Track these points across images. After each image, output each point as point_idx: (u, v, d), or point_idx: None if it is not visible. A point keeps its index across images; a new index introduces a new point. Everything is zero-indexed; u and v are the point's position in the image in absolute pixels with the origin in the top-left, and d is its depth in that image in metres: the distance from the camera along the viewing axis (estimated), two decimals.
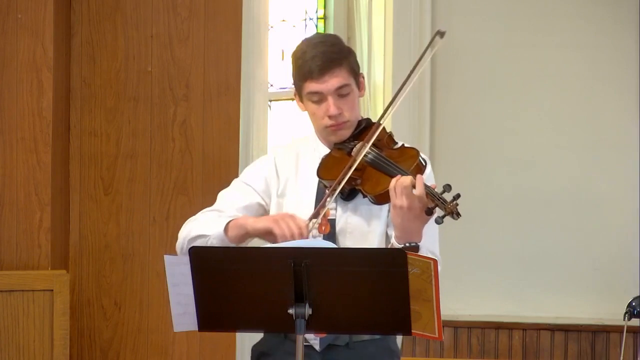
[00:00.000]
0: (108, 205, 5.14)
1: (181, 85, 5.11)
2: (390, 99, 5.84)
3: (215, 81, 5.11)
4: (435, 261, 2.80)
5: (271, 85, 5.47)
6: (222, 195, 3.40)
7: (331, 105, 3.23)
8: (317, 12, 6.07)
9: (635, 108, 5.75)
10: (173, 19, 5.11)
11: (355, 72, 3.28)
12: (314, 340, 3.24)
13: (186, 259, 2.90)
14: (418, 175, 3.08)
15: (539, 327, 5.68)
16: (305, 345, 3.19)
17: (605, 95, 5.79)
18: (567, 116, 5.82)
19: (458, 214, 3.03)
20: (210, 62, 5.11)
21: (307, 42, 3.31)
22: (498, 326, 5.72)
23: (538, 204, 5.80)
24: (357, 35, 5.95)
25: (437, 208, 3.05)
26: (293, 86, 3.33)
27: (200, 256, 2.90)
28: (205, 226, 3.27)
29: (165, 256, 3.16)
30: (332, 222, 3.25)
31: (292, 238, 3.09)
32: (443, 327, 2.87)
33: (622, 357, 5.08)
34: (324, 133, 3.31)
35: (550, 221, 5.79)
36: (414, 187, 3.06)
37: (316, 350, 3.25)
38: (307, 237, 3.13)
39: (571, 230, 5.78)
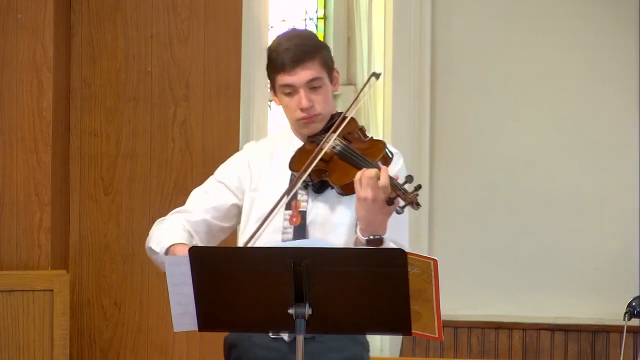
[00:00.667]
0: (108, 205, 5.14)
1: (181, 85, 5.12)
2: (389, 99, 5.86)
3: (215, 81, 5.11)
4: (435, 261, 2.80)
5: None
6: (194, 194, 3.43)
7: (302, 98, 3.27)
8: (317, 12, 6.07)
9: (635, 108, 5.75)
10: (173, 19, 5.11)
11: (328, 66, 3.32)
12: (283, 333, 3.25)
13: (186, 259, 2.90)
14: (382, 167, 3.10)
15: (539, 327, 5.69)
16: (273, 338, 3.25)
17: (605, 95, 5.80)
18: (567, 116, 5.82)
19: (418, 204, 3.05)
20: (210, 62, 5.11)
21: (281, 36, 3.36)
22: (498, 326, 5.73)
23: (538, 204, 5.80)
24: (357, 35, 5.95)
25: (398, 198, 3.07)
26: (268, 80, 3.38)
27: (200, 256, 2.90)
28: (160, 239, 3.31)
29: (165, 256, 3.17)
30: (303, 214, 3.27)
31: None
32: (443, 327, 2.86)
33: (622, 357, 5.08)
34: (296, 126, 3.35)
35: (550, 221, 5.79)
36: (378, 178, 3.08)
37: (285, 342, 3.25)
38: None
39: (571, 230, 5.78)
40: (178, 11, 5.11)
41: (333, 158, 3.25)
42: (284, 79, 3.28)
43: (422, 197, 5.78)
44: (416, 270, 2.80)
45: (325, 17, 6.09)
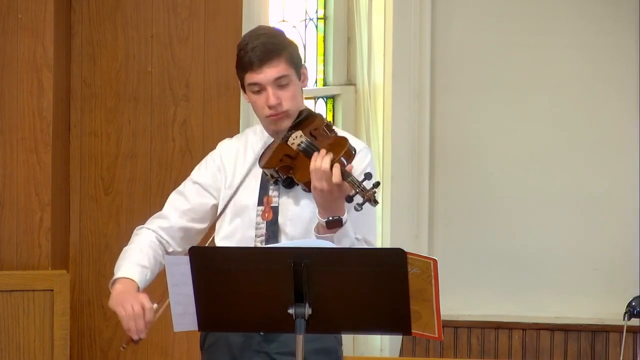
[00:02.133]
0: (108, 205, 5.14)
1: (181, 85, 5.12)
2: (389, 99, 5.86)
3: (215, 81, 5.11)
4: (435, 261, 2.80)
5: None
6: (171, 198, 3.55)
7: (270, 96, 3.31)
8: (317, 12, 6.07)
9: (635, 108, 5.75)
10: (173, 19, 5.11)
11: (295, 63, 3.36)
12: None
13: (186, 259, 2.91)
14: (336, 165, 3.13)
15: (539, 327, 5.69)
16: None
17: (605, 95, 5.80)
18: (567, 116, 5.82)
19: (375, 201, 3.07)
20: (210, 62, 5.11)
21: (249, 34, 3.41)
22: (498, 326, 5.73)
23: (538, 204, 5.80)
24: (357, 35, 5.95)
25: (356, 195, 3.10)
26: (238, 78, 3.43)
27: (200, 256, 2.91)
28: (119, 265, 3.47)
29: (165, 256, 3.17)
30: (275, 209, 3.32)
31: (133, 322, 3.27)
32: (443, 327, 2.87)
33: (622, 357, 5.08)
34: (265, 123, 3.40)
35: (550, 221, 5.79)
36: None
37: (260, 335, 3.29)
38: (150, 322, 3.27)
39: (571, 230, 5.78)
40: (178, 11, 5.11)
41: (298, 155, 3.29)
42: (251, 77, 3.33)
43: (423, 197, 5.81)
44: (416, 270, 2.80)
45: (325, 17, 6.09)
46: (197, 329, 2.97)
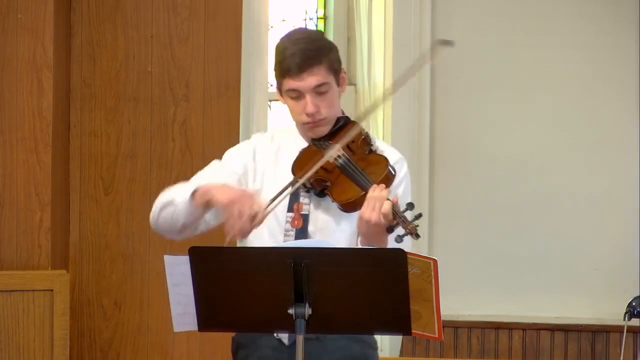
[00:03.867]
0: (108, 205, 5.14)
1: (181, 85, 5.12)
2: (389, 99, 5.85)
3: (215, 81, 5.11)
4: (435, 261, 2.80)
5: (271, 85, 5.47)
6: (199, 173, 3.41)
7: (308, 103, 3.25)
8: (317, 12, 6.07)
9: (635, 108, 5.75)
10: (173, 19, 5.11)
11: (335, 69, 3.28)
12: (283, 333, 3.24)
13: (186, 259, 2.91)
14: (389, 200, 3.08)
15: (539, 327, 5.68)
16: (277, 339, 3.25)
17: (605, 95, 5.80)
18: (567, 116, 5.82)
19: (417, 235, 3.04)
20: (210, 62, 5.11)
21: (288, 37, 3.31)
22: (498, 326, 5.72)
23: (538, 204, 5.80)
24: (357, 35, 5.95)
25: (398, 226, 3.06)
26: (275, 81, 3.36)
27: (200, 256, 2.90)
28: (175, 193, 3.30)
29: (165, 256, 3.17)
30: (305, 217, 3.27)
31: (239, 221, 3.10)
32: (443, 327, 2.86)
33: (622, 357, 5.08)
34: (301, 129, 3.34)
35: (550, 221, 5.79)
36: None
37: (285, 345, 3.25)
38: (258, 224, 3.14)
39: (571, 230, 5.78)
40: (178, 11, 5.11)
41: (335, 170, 3.23)
42: (289, 83, 3.25)
43: (423, 197, 5.80)
44: (416, 270, 2.80)
45: (325, 17, 6.09)
46: (197, 329, 2.96)
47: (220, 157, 3.47)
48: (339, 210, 3.24)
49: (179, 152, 5.12)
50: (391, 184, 3.21)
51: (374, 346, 3.34)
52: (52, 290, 4.81)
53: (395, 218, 3.06)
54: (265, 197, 3.29)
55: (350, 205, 3.18)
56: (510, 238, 5.80)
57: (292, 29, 5.76)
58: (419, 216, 3.04)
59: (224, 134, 5.10)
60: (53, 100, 4.93)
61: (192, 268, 2.89)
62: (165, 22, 5.11)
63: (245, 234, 3.15)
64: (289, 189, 3.23)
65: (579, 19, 5.80)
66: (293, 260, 2.83)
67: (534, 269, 5.78)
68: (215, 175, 3.36)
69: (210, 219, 3.34)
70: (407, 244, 3.09)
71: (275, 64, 3.30)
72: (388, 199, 3.09)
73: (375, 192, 3.10)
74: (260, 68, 5.23)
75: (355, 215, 3.21)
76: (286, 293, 2.84)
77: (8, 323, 4.78)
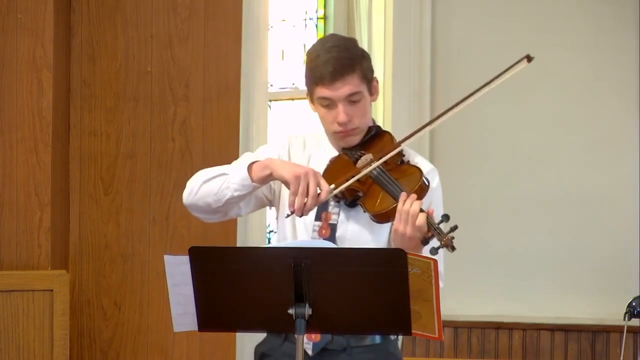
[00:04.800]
0: (108, 205, 5.14)
1: (181, 85, 5.11)
2: (389, 99, 5.85)
3: (215, 81, 5.11)
4: (435, 261, 2.80)
5: (271, 85, 5.47)
6: (235, 162, 3.34)
7: (340, 113, 3.20)
8: (317, 12, 6.07)
9: (635, 108, 5.74)
10: (173, 19, 5.11)
11: (367, 78, 3.24)
12: (307, 344, 3.22)
13: (186, 259, 2.90)
14: (423, 212, 3.05)
15: (539, 327, 5.68)
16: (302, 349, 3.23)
17: (605, 95, 5.79)
18: (567, 116, 5.82)
19: (453, 248, 3.01)
20: (210, 62, 5.10)
21: (321, 44, 3.26)
22: (498, 326, 5.72)
23: (538, 204, 5.80)
24: (357, 35, 5.95)
25: (433, 238, 3.04)
26: (305, 87, 3.30)
27: (200, 256, 2.90)
28: (225, 167, 3.24)
29: (165, 256, 3.16)
30: (333, 227, 3.24)
31: (303, 199, 3.06)
32: (443, 327, 2.87)
33: (622, 357, 5.08)
34: (332, 137, 3.30)
35: (550, 221, 5.79)
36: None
37: (308, 355, 3.23)
38: (321, 201, 3.09)
39: (571, 230, 5.77)
40: (178, 11, 5.11)
41: (369, 181, 3.20)
42: (322, 91, 3.21)
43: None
44: (416, 270, 2.80)
45: (325, 17, 6.09)
46: (197, 329, 2.96)
47: (221, 156, 3.46)
48: (369, 221, 3.21)
49: (178, 152, 5.12)
50: (425, 194, 3.18)
51: (399, 358, 3.34)
52: (52, 290, 4.81)
53: (430, 230, 3.03)
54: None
55: (384, 217, 3.15)
56: (510, 238, 5.80)
57: (293, 29, 5.76)
58: (454, 228, 3.02)
59: (224, 134, 5.10)
60: (53, 100, 4.93)
61: (192, 268, 2.89)
62: (165, 22, 5.11)
63: (306, 211, 3.11)
64: (353, 179, 3.17)
65: (579, 18, 5.80)
66: (293, 260, 2.83)
67: (534, 269, 5.78)
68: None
69: (244, 207, 3.30)
70: (441, 258, 3.07)
71: (307, 71, 3.25)
72: (422, 211, 3.06)
73: (406, 205, 3.06)
74: (260, 68, 5.23)
75: (385, 226, 3.20)
76: (286, 293, 2.84)
77: (8, 323, 4.78)
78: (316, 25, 6.07)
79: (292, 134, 3.42)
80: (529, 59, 3.30)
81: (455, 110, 3.31)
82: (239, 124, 5.10)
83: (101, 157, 5.13)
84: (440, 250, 3.02)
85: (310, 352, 3.23)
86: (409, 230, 3.04)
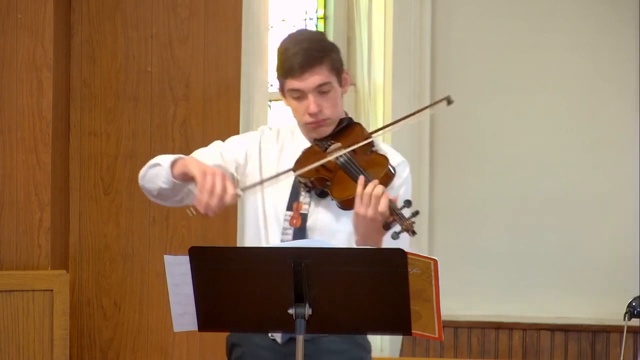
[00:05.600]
0: (108, 205, 5.13)
1: (181, 85, 5.11)
2: (389, 99, 5.86)
3: (215, 81, 5.11)
4: (435, 261, 2.80)
5: (271, 85, 5.47)
6: (197, 152, 3.43)
7: (311, 103, 3.26)
8: (317, 12, 6.07)
9: (635, 108, 5.75)
10: (173, 19, 5.11)
11: (337, 70, 3.30)
12: (276, 334, 3.25)
13: (186, 259, 2.91)
14: (385, 194, 3.09)
15: (539, 327, 5.69)
16: (271, 339, 3.27)
17: (605, 95, 5.80)
18: (567, 116, 5.82)
19: (414, 232, 3.04)
20: (210, 62, 5.10)
21: (290, 38, 3.32)
22: (498, 326, 5.73)
23: (538, 204, 5.80)
24: (357, 35, 5.95)
25: (395, 223, 3.06)
26: (277, 81, 3.36)
27: (200, 256, 2.90)
28: (164, 157, 3.31)
29: (165, 256, 3.16)
30: (304, 217, 3.27)
31: (209, 197, 3.11)
32: (443, 327, 2.86)
33: (622, 357, 5.08)
34: (304, 129, 3.35)
35: (550, 221, 5.79)
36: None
37: (278, 344, 3.27)
38: (223, 205, 3.13)
39: (571, 230, 5.78)
40: (178, 11, 5.11)
41: (336, 168, 3.24)
42: (292, 83, 3.26)
43: (423, 197, 5.81)
44: (416, 270, 2.80)
45: (325, 17, 6.09)
46: (197, 329, 2.96)
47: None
48: (339, 210, 3.25)
49: (178, 152, 5.08)
50: (390, 182, 3.22)
51: (368, 349, 3.35)
52: (52, 290, 4.81)
53: (392, 214, 3.06)
54: (274, 194, 3.31)
55: (350, 203, 3.18)
56: (511, 238, 5.81)
57: (293, 30, 5.77)
58: (416, 213, 3.05)
59: (224, 134, 5.08)
60: (53, 100, 4.93)
61: (192, 268, 2.89)
62: (165, 22, 5.11)
63: (211, 211, 3.14)
64: (275, 178, 3.25)
65: (579, 18, 5.80)
66: (293, 260, 2.83)
67: (534, 269, 5.79)
68: (216, 155, 3.38)
69: (180, 198, 3.35)
70: (405, 243, 3.09)
71: (278, 65, 3.31)
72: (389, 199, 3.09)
73: (368, 188, 3.10)
74: (260, 68, 5.23)
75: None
76: (286, 293, 2.84)
77: (8, 323, 4.78)
78: (316, 25, 6.07)
79: (266, 126, 3.48)
80: (448, 101, 3.34)
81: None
82: (239, 124, 5.10)
83: (101, 157, 5.13)
84: (404, 235, 3.05)
85: (279, 341, 3.27)
86: (370, 212, 3.08)
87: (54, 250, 4.94)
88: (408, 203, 3.07)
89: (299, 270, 2.83)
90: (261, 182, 3.28)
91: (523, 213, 5.81)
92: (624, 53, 5.76)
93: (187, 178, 3.25)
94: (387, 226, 3.08)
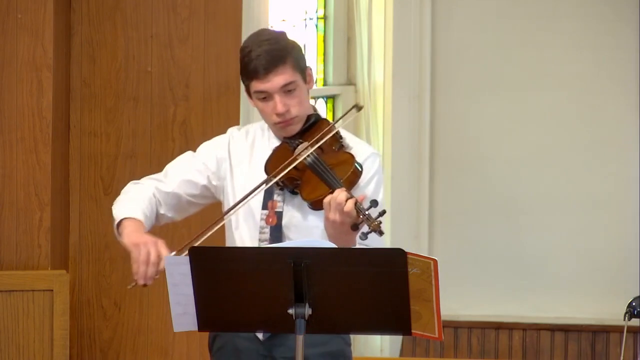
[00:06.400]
0: (108, 205, 5.10)
1: (181, 85, 5.11)
2: (389, 99, 5.86)
3: (215, 81, 5.11)
4: (435, 261, 2.80)
5: None
6: (170, 165, 3.51)
7: (278, 103, 3.29)
8: (317, 12, 6.07)
9: (635, 108, 5.75)
10: (173, 19, 5.11)
11: (300, 67, 3.33)
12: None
13: (186, 259, 2.91)
14: (351, 199, 3.11)
15: (539, 327, 5.69)
16: (254, 335, 3.30)
17: (605, 95, 5.80)
18: (567, 116, 5.83)
19: (381, 232, 3.06)
20: (210, 62, 5.10)
21: (252, 39, 3.37)
22: (498, 326, 5.73)
23: (538, 204, 5.80)
24: (357, 35, 5.95)
25: (363, 224, 3.09)
26: (242, 83, 3.41)
27: (200, 256, 2.91)
28: (120, 208, 3.43)
29: (165, 256, 3.17)
30: (279, 215, 3.31)
31: (145, 267, 3.19)
32: (443, 327, 2.86)
33: (622, 357, 5.08)
34: (273, 129, 3.39)
35: (550, 221, 5.79)
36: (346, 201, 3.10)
37: (259, 340, 3.31)
38: (160, 271, 3.20)
39: (571, 230, 5.78)
40: (178, 11, 5.11)
41: (305, 168, 3.28)
42: (257, 85, 3.31)
43: (423, 197, 5.81)
44: (416, 270, 2.80)
45: (325, 17, 6.09)
46: (197, 329, 2.97)
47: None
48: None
49: (179, 152, 5.09)
50: (357, 180, 3.25)
51: (348, 342, 3.39)
52: (52, 290, 4.81)
53: (360, 216, 3.08)
54: (237, 192, 3.37)
55: (319, 204, 3.21)
56: (510, 238, 5.81)
57: (294, 30, 5.76)
58: (383, 213, 3.08)
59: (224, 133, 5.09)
60: (53, 100, 4.92)
61: (192, 268, 2.90)
62: (165, 22, 5.11)
63: (149, 279, 3.21)
64: (257, 190, 3.28)
65: (579, 18, 5.80)
66: (293, 260, 2.83)
67: (534, 269, 5.79)
68: (186, 169, 3.45)
69: (175, 213, 3.53)
70: (377, 241, 3.14)
71: (241, 68, 3.37)
72: (351, 198, 3.11)
73: (335, 194, 3.13)
74: None
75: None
76: (286, 293, 2.84)
77: (8, 323, 4.78)
78: (316, 25, 6.07)
79: (234, 127, 3.51)
80: (358, 108, 3.42)
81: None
82: (239, 124, 5.10)
83: (101, 157, 5.13)
84: (372, 235, 3.08)
85: (260, 337, 3.30)
86: (338, 217, 3.10)
87: (54, 250, 4.94)
88: (374, 203, 3.09)
89: (299, 270, 2.83)
90: (233, 208, 3.31)
91: (523, 213, 5.81)
92: (624, 53, 5.76)
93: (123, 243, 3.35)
94: (355, 227, 3.10)
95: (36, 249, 4.90)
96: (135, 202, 3.42)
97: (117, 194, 5.10)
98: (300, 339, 2.86)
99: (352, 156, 3.28)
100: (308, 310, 2.84)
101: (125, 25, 5.11)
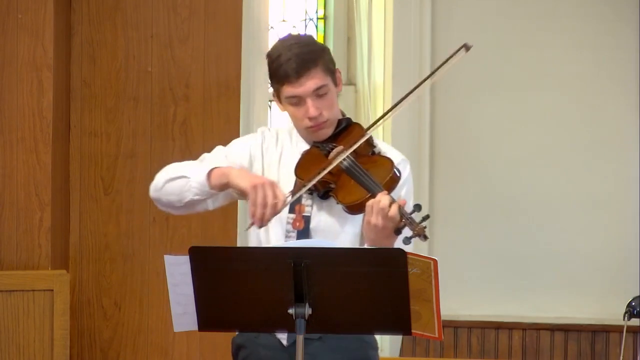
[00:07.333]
0: (108, 205, 5.13)
1: (181, 85, 5.11)
2: (389, 99, 5.86)
3: (215, 81, 5.11)
4: (435, 261, 2.80)
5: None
6: (207, 155, 3.43)
7: (310, 107, 3.25)
8: (317, 12, 6.07)
9: (635, 108, 5.75)
10: (173, 19, 5.11)
11: (331, 70, 3.29)
12: (282, 335, 3.25)
13: (186, 259, 2.91)
14: (395, 203, 3.09)
15: (539, 327, 5.69)
16: (278, 339, 3.26)
17: (605, 95, 5.80)
18: (567, 116, 5.82)
19: (425, 237, 3.04)
20: (210, 62, 5.10)
21: (281, 44, 3.31)
22: (498, 326, 5.72)
23: (538, 204, 5.80)
24: (357, 35, 5.95)
25: (406, 228, 3.07)
26: (272, 88, 3.34)
27: (200, 256, 2.91)
28: (188, 168, 3.31)
29: (165, 256, 3.16)
30: (307, 219, 3.27)
31: (263, 210, 3.12)
32: (443, 327, 2.86)
33: (622, 357, 5.08)
34: (304, 133, 3.34)
35: (550, 221, 5.79)
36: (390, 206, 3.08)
37: (284, 346, 3.27)
38: (279, 211, 3.16)
39: (571, 230, 5.78)
40: (178, 11, 5.11)
41: (340, 172, 3.23)
42: (289, 90, 3.25)
43: (423, 197, 5.81)
44: (416, 270, 2.80)
45: (325, 17, 6.09)
46: (197, 329, 2.97)
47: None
48: (342, 212, 3.24)
49: (179, 152, 5.12)
50: (396, 185, 3.21)
51: (375, 346, 3.35)
52: (52, 290, 4.81)
53: (403, 220, 3.06)
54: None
55: (356, 207, 3.18)
56: (510, 238, 5.80)
57: (294, 30, 5.75)
58: (426, 217, 3.04)
59: (224, 134, 5.10)
60: (53, 100, 4.93)
61: (192, 268, 2.90)
62: (165, 22, 5.11)
63: (266, 221, 3.16)
64: (307, 186, 3.22)
65: (579, 18, 5.80)
66: (293, 260, 2.83)
67: (534, 269, 5.79)
68: (222, 159, 3.37)
69: (211, 203, 3.36)
70: (410, 246, 3.08)
71: (271, 73, 3.29)
72: (394, 201, 3.08)
73: (377, 197, 3.10)
74: (260, 68, 5.23)
75: (358, 217, 3.22)
76: (286, 293, 2.84)
77: (8, 323, 4.78)
78: (316, 26, 6.07)
79: (264, 128, 3.47)
80: (467, 48, 3.38)
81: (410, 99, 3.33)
82: (239, 124, 5.11)
83: (101, 157, 5.13)
84: (413, 240, 3.05)
85: (285, 343, 3.26)
86: (380, 221, 3.07)
87: (54, 250, 4.94)
88: (418, 207, 3.06)
89: (299, 270, 2.83)
90: (326, 171, 3.23)
91: (523, 213, 5.81)
92: (624, 53, 5.76)
93: (225, 188, 3.26)
94: (397, 231, 3.07)
95: (36, 249, 4.90)
96: (201, 164, 3.33)
97: (117, 194, 5.14)
98: (300, 338, 2.87)
99: (391, 161, 3.24)
100: (308, 310, 2.84)
101: (125, 25, 5.11)
